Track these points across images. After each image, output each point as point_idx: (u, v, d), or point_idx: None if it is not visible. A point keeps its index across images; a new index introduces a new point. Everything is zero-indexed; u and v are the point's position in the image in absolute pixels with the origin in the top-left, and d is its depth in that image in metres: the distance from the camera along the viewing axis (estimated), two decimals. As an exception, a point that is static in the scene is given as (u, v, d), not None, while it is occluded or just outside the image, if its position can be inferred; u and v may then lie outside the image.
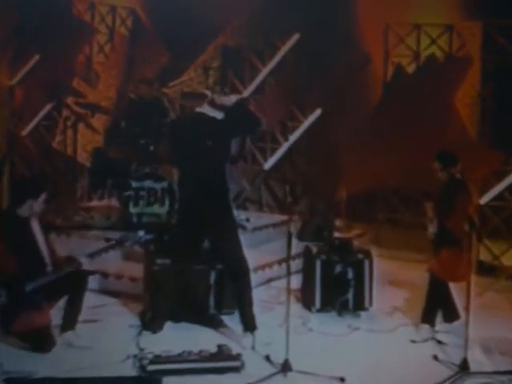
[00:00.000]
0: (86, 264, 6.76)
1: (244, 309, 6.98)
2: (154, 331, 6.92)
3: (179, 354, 6.19)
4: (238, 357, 6.29)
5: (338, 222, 10.54)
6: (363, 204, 10.76)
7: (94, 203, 10.65)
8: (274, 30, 10.70)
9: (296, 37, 10.66)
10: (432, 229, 7.39)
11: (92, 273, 6.91)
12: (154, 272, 7.30)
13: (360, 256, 8.07)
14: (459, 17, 9.79)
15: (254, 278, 8.55)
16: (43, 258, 6.75)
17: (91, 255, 6.77)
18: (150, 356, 6.11)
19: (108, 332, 7.12)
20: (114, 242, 7.13)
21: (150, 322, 7.01)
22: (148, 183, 9.31)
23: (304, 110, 10.83)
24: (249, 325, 6.94)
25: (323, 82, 10.53)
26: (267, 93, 10.92)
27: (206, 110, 6.87)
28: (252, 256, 8.78)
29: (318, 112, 10.71)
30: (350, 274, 7.96)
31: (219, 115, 6.82)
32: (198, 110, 6.95)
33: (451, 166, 7.36)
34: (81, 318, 6.95)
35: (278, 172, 11.22)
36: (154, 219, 9.20)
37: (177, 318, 7.28)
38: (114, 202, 9.77)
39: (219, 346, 6.40)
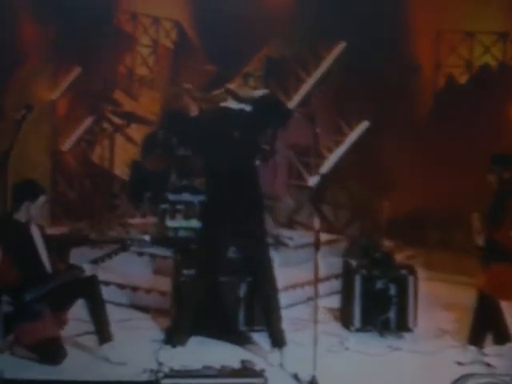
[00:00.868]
0: (89, 270, 6.38)
1: (272, 323, 6.52)
2: (174, 345, 6.48)
3: (198, 369, 5.75)
4: (261, 373, 5.80)
5: (386, 243, 10.07)
6: (413, 224, 10.27)
7: (136, 220, 10.36)
8: (319, 39, 10.30)
9: (342, 45, 10.21)
10: (479, 241, 6.83)
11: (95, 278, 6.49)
12: (180, 283, 6.90)
13: (403, 272, 7.54)
14: (514, 23, 9.30)
15: (294, 296, 8.21)
16: (43, 265, 6.42)
17: (94, 261, 6.40)
18: (166, 370, 5.69)
19: (131, 346, 6.76)
20: (118, 247, 6.72)
21: (171, 336, 6.56)
22: (185, 196, 8.96)
23: (350, 122, 10.37)
24: (277, 340, 6.48)
25: (370, 92, 10.08)
26: (313, 105, 10.50)
27: (231, 104, 6.50)
28: (292, 274, 8.48)
29: (364, 124, 10.23)
30: (393, 291, 7.43)
31: (246, 108, 6.44)
32: (222, 104, 6.56)
33: (506, 167, 6.80)
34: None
35: (328, 194, 10.80)
36: (191, 234, 8.81)
37: (203, 333, 6.84)
38: (154, 219, 9.45)
39: (243, 362, 5.94)
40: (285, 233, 9.66)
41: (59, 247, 6.93)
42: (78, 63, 11.13)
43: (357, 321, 7.44)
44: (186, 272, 6.90)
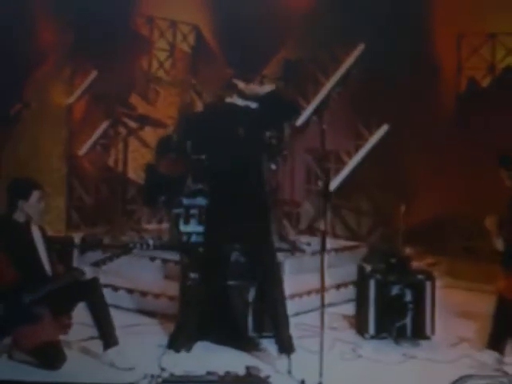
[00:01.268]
0: (91, 273, 6.19)
1: (279, 328, 6.28)
2: (177, 350, 6.26)
3: (199, 375, 5.54)
4: (265, 380, 5.59)
5: (408, 250, 9.81)
6: (436, 230, 10.00)
7: (152, 226, 10.22)
8: (338, 41, 10.08)
9: (361, 48, 9.98)
10: (499, 246, 6.56)
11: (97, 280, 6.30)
12: (187, 287, 6.70)
13: (420, 277, 7.27)
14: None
15: (308, 303, 7.99)
16: (43, 266, 6.24)
17: (96, 264, 6.22)
18: (165, 375, 5.49)
19: (138, 351, 6.55)
20: (120, 251, 6.53)
21: (174, 340, 6.34)
22: (199, 200, 8.73)
23: (370, 126, 10.13)
24: (285, 346, 6.24)
25: (390, 96, 9.83)
26: (331, 109, 10.27)
27: (237, 100, 6.30)
28: (308, 280, 8.26)
29: (384, 128, 9.99)
30: (408, 297, 7.16)
31: (252, 105, 6.24)
32: (227, 100, 6.36)
33: None
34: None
35: (350, 201, 10.57)
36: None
37: (210, 339, 6.63)
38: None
39: (248, 368, 5.72)
40: (303, 239, 9.47)
41: (62, 249, 6.78)
42: (95, 67, 11.01)
43: (371, 328, 7.19)
44: (192, 275, 6.69)
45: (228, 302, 6.72)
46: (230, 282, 6.69)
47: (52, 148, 11.08)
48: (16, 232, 6.21)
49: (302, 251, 8.93)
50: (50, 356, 5.98)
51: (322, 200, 5.99)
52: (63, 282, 6.13)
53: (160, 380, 5.42)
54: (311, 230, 10.60)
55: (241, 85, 6.38)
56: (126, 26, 10.92)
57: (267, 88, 6.37)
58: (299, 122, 10.34)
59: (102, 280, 7.73)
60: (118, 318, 7.04)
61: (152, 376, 5.64)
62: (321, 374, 5.63)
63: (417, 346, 7.09)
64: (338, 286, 8.46)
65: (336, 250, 9.44)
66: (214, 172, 6.37)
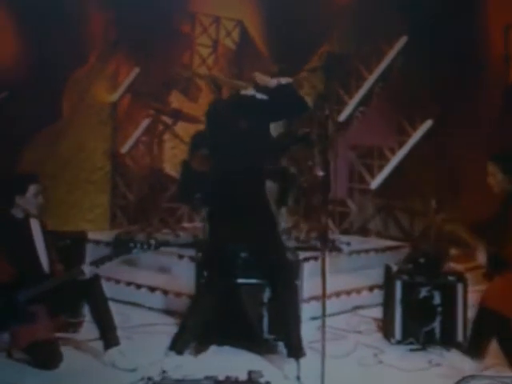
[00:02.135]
0: (90, 272, 5.98)
1: (288, 331, 5.97)
2: (179, 352, 6.00)
3: (194, 379, 5.29)
4: (264, 386, 5.31)
5: (453, 251, 9.37)
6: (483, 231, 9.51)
7: (192, 224, 10.05)
8: (380, 34, 9.73)
9: (404, 40, 9.59)
10: (481, 259, 6.10)
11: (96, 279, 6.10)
12: (199, 285, 6.46)
13: (451, 278, 6.85)
14: None
15: (337, 304, 7.69)
16: (40, 264, 6.05)
17: (95, 263, 6.02)
18: (157, 378, 5.25)
19: (143, 351, 6.34)
20: (119, 250, 6.30)
21: (176, 341, 6.07)
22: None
23: (414, 121, 9.73)
24: (293, 350, 5.92)
25: (435, 89, 9.41)
26: (374, 103, 9.91)
27: (249, 92, 6.09)
28: (342, 281, 7.97)
29: (428, 123, 9.58)
30: (437, 299, 6.75)
31: (259, 95, 5.99)
32: (243, 92, 6.16)
33: None
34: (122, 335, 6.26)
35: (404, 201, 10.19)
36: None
37: (222, 342, 6.38)
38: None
39: (250, 373, 5.43)
40: (343, 238, 9.17)
41: (73, 245, 6.65)
42: (137, 64, 10.90)
43: (397, 332, 6.81)
44: (206, 273, 6.44)
45: (241, 301, 6.44)
46: (243, 281, 6.42)
47: (96, 146, 11.02)
48: (13, 228, 6.06)
49: (339, 250, 8.62)
50: (45, 355, 5.82)
51: (322, 193, 5.68)
52: (60, 280, 5.94)
53: (151, 382, 5.19)
54: (363, 231, 10.28)
55: (259, 77, 6.13)
56: (168, 22, 10.77)
57: (282, 81, 6.08)
58: (342, 117, 10.05)
59: (125, 277, 7.68)
60: (136, 317, 6.92)
61: (149, 378, 5.41)
62: (322, 381, 5.29)
63: (446, 352, 6.67)
64: (371, 288, 8.11)
65: (376, 251, 9.09)
66: (215, 166, 6.13)
